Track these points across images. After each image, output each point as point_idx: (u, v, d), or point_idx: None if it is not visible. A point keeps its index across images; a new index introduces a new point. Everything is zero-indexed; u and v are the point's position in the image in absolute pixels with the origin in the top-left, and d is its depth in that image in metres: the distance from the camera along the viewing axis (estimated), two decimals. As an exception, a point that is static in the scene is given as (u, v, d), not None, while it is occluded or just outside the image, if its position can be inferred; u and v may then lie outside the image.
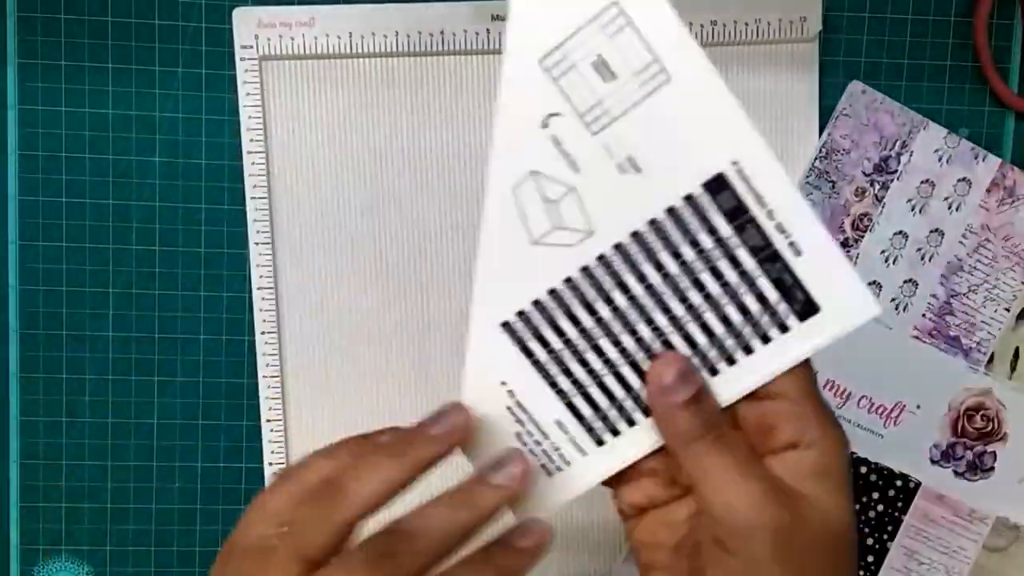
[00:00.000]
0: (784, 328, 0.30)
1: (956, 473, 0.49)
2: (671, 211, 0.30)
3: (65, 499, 0.49)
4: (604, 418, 0.32)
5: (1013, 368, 0.49)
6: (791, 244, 0.30)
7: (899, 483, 0.49)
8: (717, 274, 0.30)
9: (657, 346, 0.31)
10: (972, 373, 0.49)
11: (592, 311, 0.31)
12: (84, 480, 0.49)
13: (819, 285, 0.30)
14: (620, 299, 0.31)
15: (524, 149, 0.30)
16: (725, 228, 0.30)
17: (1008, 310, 0.49)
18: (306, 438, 0.49)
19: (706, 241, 0.30)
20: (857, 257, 0.49)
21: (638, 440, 0.33)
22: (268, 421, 0.49)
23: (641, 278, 0.31)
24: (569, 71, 0.30)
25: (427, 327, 0.49)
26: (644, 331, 0.31)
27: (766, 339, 0.31)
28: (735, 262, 0.30)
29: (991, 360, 0.49)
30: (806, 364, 0.31)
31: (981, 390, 0.49)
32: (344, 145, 0.48)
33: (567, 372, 0.32)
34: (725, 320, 0.31)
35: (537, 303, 0.32)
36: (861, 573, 0.50)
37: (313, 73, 0.48)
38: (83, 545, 0.49)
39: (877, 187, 0.48)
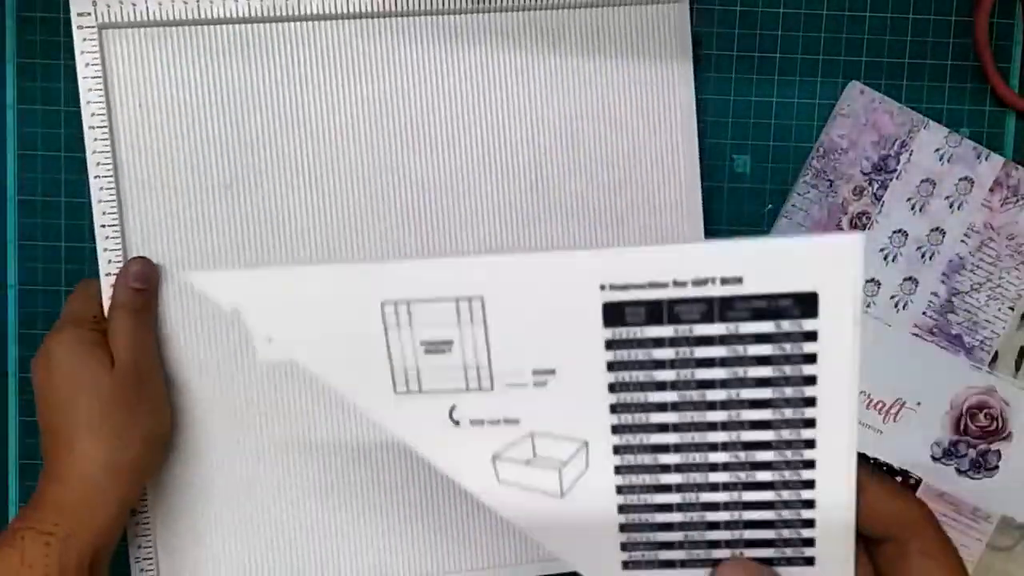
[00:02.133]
0: (811, 336, 0.27)
1: (958, 471, 0.48)
2: (612, 366, 0.28)
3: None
4: (785, 539, 0.29)
5: (1018, 367, 0.48)
6: (724, 281, 0.26)
7: (899, 479, 0.48)
8: (708, 363, 0.27)
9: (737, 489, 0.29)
10: (975, 371, 0.48)
11: (665, 488, 0.29)
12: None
13: (789, 277, 0.26)
14: (670, 458, 0.29)
15: (461, 451, 0.29)
16: (664, 330, 0.27)
17: (1012, 308, 0.48)
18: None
19: (666, 353, 0.27)
20: (857, 256, 0.47)
21: None
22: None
23: (662, 428, 0.28)
24: (419, 377, 0.29)
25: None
26: (718, 460, 0.29)
27: (811, 359, 0.27)
28: (708, 341, 0.27)
29: (995, 359, 0.48)
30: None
31: (984, 388, 0.48)
32: (197, 120, 0.45)
33: (715, 544, 0.30)
34: (763, 383, 0.27)
35: (626, 526, 0.30)
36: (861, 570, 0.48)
37: (158, 42, 0.44)
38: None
39: (876, 186, 0.47)
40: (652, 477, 0.29)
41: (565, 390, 0.28)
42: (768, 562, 0.29)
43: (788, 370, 0.27)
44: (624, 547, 0.29)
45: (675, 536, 0.29)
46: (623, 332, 0.27)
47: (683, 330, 0.27)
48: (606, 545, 0.29)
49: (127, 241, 0.45)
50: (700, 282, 0.26)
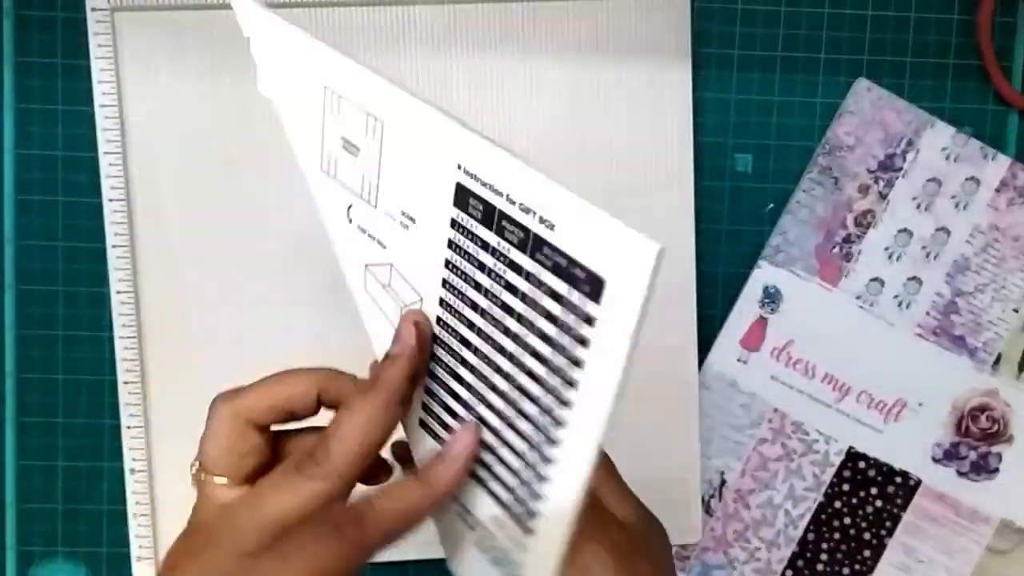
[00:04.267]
0: (589, 320, 0.23)
1: (959, 473, 0.46)
2: (451, 244, 0.27)
3: (62, 500, 0.46)
4: (517, 498, 0.28)
5: (1020, 369, 0.46)
6: (542, 220, 0.24)
7: (899, 480, 0.46)
8: (513, 290, 0.26)
9: (513, 396, 0.27)
10: (978, 373, 0.46)
11: (460, 379, 0.29)
12: (81, 481, 0.46)
13: (589, 251, 0.23)
14: (470, 357, 0.28)
15: (350, 246, 0.30)
16: (491, 236, 0.26)
17: (1016, 311, 0.46)
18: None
19: (487, 259, 0.26)
20: (860, 253, 0.45)
21: (557, 513, 0.27)
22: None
23: (470, 325, 0.27)
24: (336, 163, 0.30)
25: (294, 265, 0.45)
26: (499, 383, 0.27)
27: (584, 342, 0.24)
28: (517, 269, 0.25)
29: (997, 361, 0.46)
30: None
31: (987, 390, 0.46)
32: (204, 99, 0.44)
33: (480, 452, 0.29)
34: (543, 338, 0.25)
35: (428, 391, 0.30)
36: (857, 567, 0.47)
37: (169, 25, 0.44)
38: (79, 547, 0.46)
39: (881, 184, 0.45)
40: (454, 362, 0.28)
41: (418, 242, 0.28)
42: (500, 503, 0.28)
43: (565, 340, 0.24)
44: (423, 406, 0.30)
45: (455, 423, 0.29)
46: (464, 218, 0.26)
47: (503, 246, 0.25)
48: (415, 398, 0.30)
49: (133, 216, 0.45)
50: (525, 209, 0.25)
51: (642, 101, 0.45)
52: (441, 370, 0.29)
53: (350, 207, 0.29)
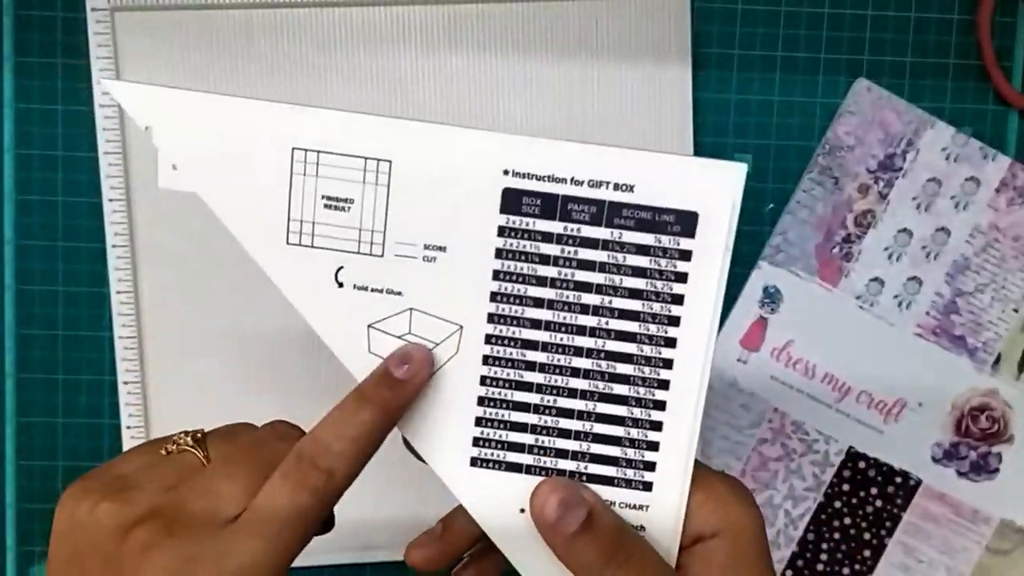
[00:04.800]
0: (686, 256, 0.27)
1: (959, 473, 0.46)
2: (500, 253, 0.27)
3: (61, 500, 0.45)
4: (628, 462, 0.29)
5: (1020, 369, 0.46)
6: (616, 186, 0.27)
7: (899, 480, 0.46)
8: (589, 265, 0.27)
9: (599, 376, 0.28)
10: (977, 373, 0.46)
11: (527, 386, 0.28)
12: (80, 481, 0.45)
13: (675, 193, 0.27)
14: (538, 357, 0.28)
15: (342, 312, 0.28)
16: (554, 225, 0.27)
17: (1016, 311, 0.46)
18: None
19: (552, 249, 0.27)
20: (860, 253, 0.45)
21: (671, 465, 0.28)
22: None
23: (535, 324, 0.28)
24: (313, 231, 0.28)
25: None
26: (582, 364, 0.28)
27: (683, 279, 0.27)
28: (592, 243, 0.27)
29: (998, 361, 0.46)
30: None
31: (987, 390, 0.46)
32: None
33: (563, 453, 0.28)
34: (632, 294, 0.27)
35: (482, 420, 0.28)
36: (857, 567, 0.46)
37: (169, 25, 0.43)
38: (79, 547, 0.45)
39: (881, 184, 0.45)
40: (516, 373, 0.28)
41: (452, 270, 0.28)
42: (609, 481, 0.28)
43: (659, 285, 0.27)
44: (476, 442, 0.29)
45: (526, 438, 0.28)
46: (516, 221, 0.27)
47: (572, 228, 0.27)
48: (459, 436, 0.29)
49: (132, 216, 0.44)
50: (595, 184, 0.27)
51: (642, 101, 0.45)
52: (499, 389, 0.28)
53: (339, 270, 0.28)
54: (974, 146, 0.45)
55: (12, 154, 0.45)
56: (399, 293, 0.28)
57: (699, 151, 0.45)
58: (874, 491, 0.46)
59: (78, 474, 0.44)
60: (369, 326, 0.28)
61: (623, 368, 0.28)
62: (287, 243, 0.28)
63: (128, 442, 0.45)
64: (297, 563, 0.47)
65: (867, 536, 0.46)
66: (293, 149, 0.27)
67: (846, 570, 0.46)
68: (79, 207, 0.45)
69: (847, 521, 0.46)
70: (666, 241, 0.27)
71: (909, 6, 0.46)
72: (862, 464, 0.46)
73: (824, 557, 0.46)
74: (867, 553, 0.46)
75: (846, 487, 0.46)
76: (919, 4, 0.46)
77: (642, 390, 0.28)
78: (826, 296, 0.45)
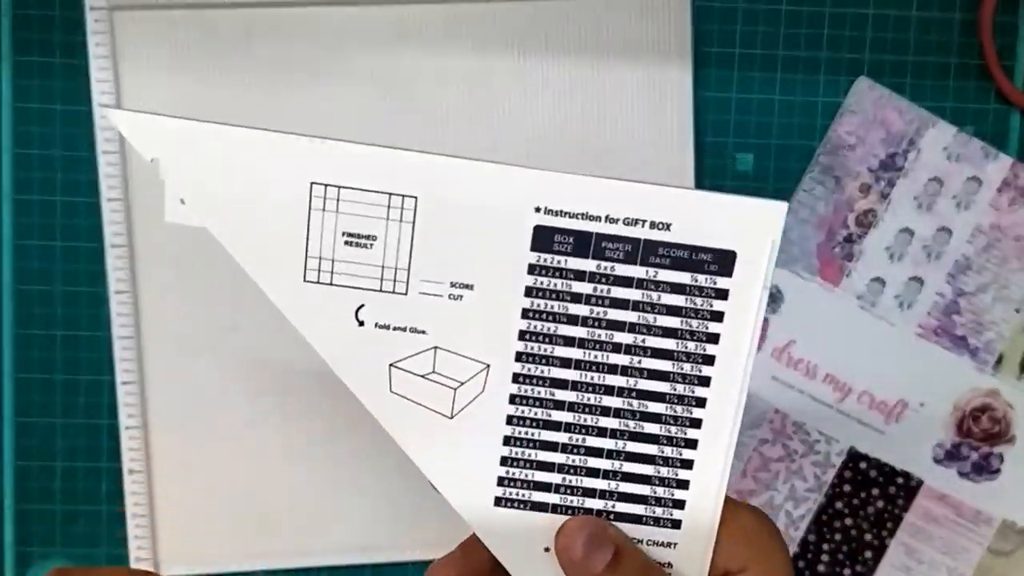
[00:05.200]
0: (723, 294, 0.27)
1: (960, 473, 0.46)
2: (530, 291, 0.27)
3: (60, 501, 0.46)
4: (657, 501, 0.28)
5: (1022, 370, 0.46)
6: (653, 225, 0.26)
7: (900, 480, 0.46)
8: (622, 304, 0.27)
9: (633, 406, 0.28)
10: (979, 373, 0.46)
11: (556, 425, 0.28)
12: (79, 482, 0.46)
13: (713, 232, 0.26)
14: (567, 396, 0.27)
15: (363, 351, 0.27)
16: (587, 264, 0.26)
17: (1018, 311, 0.46)
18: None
19: (584, 287, 0.27)
20: (861, 253, 0.45)
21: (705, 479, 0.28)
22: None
23: (565, 363, 0.27)
24: (332, 268, 0.27)
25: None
26: (613, 403, 0.28)
27: (719, 318, 0.27)
28: (626, 282, 0.27)
29: (999, 361, 0.46)
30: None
31: (988, 391, 0.46)
32: (201, 98, 0.44)
33: (591, 492, 0.28)
34: (667, 333, 0.27)
35: (507, 460, 0.28)
36: (859, 568, 0.46)
37: (167, 24, 0.43)
38: (78, 547, 0.46)
39: (883, 184, 0.45)
40: (544, 412, 0.27)
41: (479, 308, 0.27)
42: (637, 519, 0.28)
43: (695, 324, 0.27)
44: (501, 481, 0.28)
45: (553, 478, 0.28)
46: (548, 259, 0.26)
47: (605, 267, 0.26)
48: (483, 476, 0.28)
49: (131, 215, 0.44)
50: (631, 222, 0.26)
51: (642, 101, 0.45)
52: (526, 428, 0.28)
53: (360, 308, 0.27)
54: (976, 146, 0.45)
55: (10, 154, 0.45)
56: (423, 332, 0.27)
57: (700, 150, 0.45)
58: (875, 492, 0.46)
59: (76, 474, 0.44)
60: (391, 365, 0.27)
61: (655, 407, 0.27)
62: (304, 280, 0.27)
63: (127, 442, 0.45)
64: (297, 563, 0.47)
65: (868, 537, 0.46)
66: (312, 184, 0.26)
67: (847, 571, 0.46)
68: (78, 207, 0.45)
69: (848, 522, 0.46)
70: (702, 280, 0.27)
71: (911, 5, 0.46)
72: (863, 465, 0.46)
73: (825, 558, 0.46)
74: (868, 554, 0.46)
75: (847, 488, 0.46)
76: (921, 3, 0.46)
77: (674, 429, 0.27)
78: (827, 296, 0.45)
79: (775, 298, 0.45)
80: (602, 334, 0.27)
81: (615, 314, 0.27)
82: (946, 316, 0.45)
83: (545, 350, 0.27)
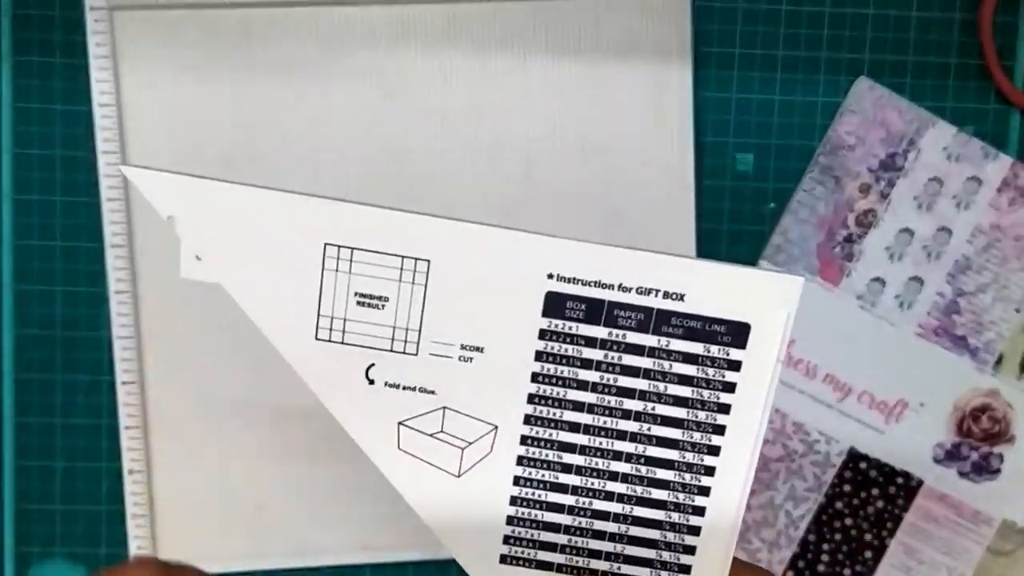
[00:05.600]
0: (735, 366, 0.27)
1: (960, 473, 0.46)
2: (540, 356, 0.27)
3: (60, 501, 0.46)
4: (664, 564, 0.29)
5: (1022, 369, 0.46)
6: (667, 295, 0.26)
7: (900, 480, 0.46)
8: (633, 371, 0.27)
9: (640, 473, 0.28)
10: (979, 373, 0.46)
11: (563, 488, 0.28)
12: (79, 482, 0.46)
13: (728, 304, 0.26)
14: (575, 459, 0.28)
15: (373, 409, 0.28)
16: (599, 331, 0.27)
17: (1018, 311, 0.46)
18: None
19: (595, 353, 0.27)
20: (861, 253, 0.45)
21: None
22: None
23: (573, 427, 0.27)
24: (344, 328, 0.27)
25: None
26: (622, 468, 0.28)
27: (731, 388, 0.27)
28: (637, 350, 0.27)
29: (999, 361, 0.46)
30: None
31: (988, 391, 0.46)
32: (201, 99, 0.44)
33: (596, 553, 0.28)
34: (677, 402, 0.27)
35: (513, 519, 0.28)
36: (859, 568, 0.46)
37: (170, 25, 0.43)
38: (77, 547, 0.46)
39: (883, 184, 0.45)
40: (552, 475, 0.28)
41: (489, 370, 0.27)
42: None
43: (706, 394, 0.27)
44: (506, 540, 0.28)
45: (559, 538, 0.28)
46: (559, 324, 0.27)
47: (617, 335, 0.27)
48: (489, 534, 0.28)
49: (131, 215, 0.44)
50: (644, 291, 0.26)
51: (642, 101, 0.44)
52: (533, 490, 0.28)
53: (371, 367, 0.27)
54: (975, 145, 0.45)
55: (10, 154, 0.45)
56: (432, 392, 0.27)
57: (700, 150, 0.45)
58: (875, 492, 0.46)
59: (76, 474, 0.44)
60: (400, 423, 0.28)
61: (663, 474, 0.27)
62: (316, 339, 0.27)
63: (127, 442, 0.45)
64: (297, 564, 0.47)
65: (868, 537, 0.46)
66: (325, 244, 0.26)
67: (847, 571, 0.46)
68: (77, 207, 0.45)
69: (848, 522, 0.46)
70: (715, 351, 0.27)
71: (911, 5, 0.46)
72: (863, 465, 0.46)
73: (825, 558, 0.46)
74: (868, 554, 0.46)
75: (847, 488, 0.46)
76: (920, 3, 0.46)
77: (682, 496, 0.27)
78: (827, 296, 0.45)
79: (775, 298, 0.45)
80: (612, 400, 0.27)
81: (626, 381, 0.27)
82: (946, 316, 0.45)
83: (554, 414, 0.27)
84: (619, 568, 0.28)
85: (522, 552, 0.28)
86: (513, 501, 0.28)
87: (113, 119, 0.44)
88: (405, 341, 0.27)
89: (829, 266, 0.45)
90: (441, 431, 0.28)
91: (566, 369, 0.27)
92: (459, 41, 0.44)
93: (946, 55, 0.46)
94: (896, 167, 0.45)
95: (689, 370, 0.27)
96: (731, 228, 0.46)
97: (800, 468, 0.46)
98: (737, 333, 0.26)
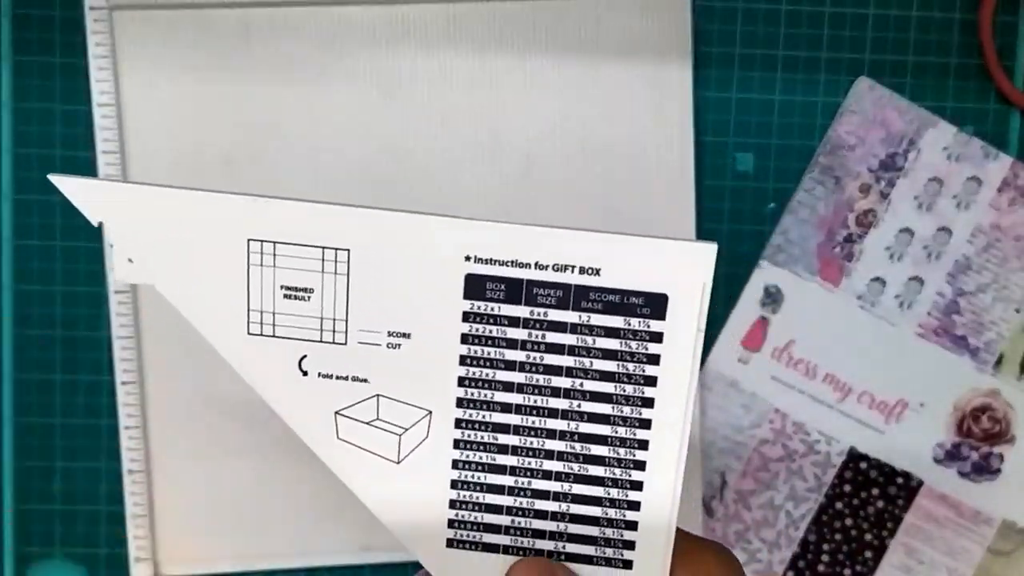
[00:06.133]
0: (657, 337, 0.27)
1: (961, 473, 0.46)
2: (466, 339, 0.27)
3: (59, 501, 0.46)
4: (607, 541, 0.29)
5: (1023, 370, 0.46)
6: (582, 270, 0.26)
7: (900, 480, 0.46)
8: (558, 349, 0.27)
9: (575, 449, 0.28)
10: (979, 373, 0.46)
11: (500, 469, 0.28)
12: (79, 482, 0.46)
13: (643, 275, 0.26)
14: (509, 440, 0.28)
15: (308, 400, 0.28)
16: (520, 310, 0.27)
17: (1018, 311, 0.46)
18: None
19: (519, 333, 0.27)
20: (861, 253, 0.45)
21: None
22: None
23: (505, 408, 0.28)
24: (274, 321, 0.28)
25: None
26: (555, 446, 0.28)
27: (655, 360, 0.27)
28: (559, 327, 0.27)
29: (999, 361, 0.46)
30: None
31: (988, 391, 0.46)
32: (201, 99, 0.44)
33: (540, 533, 0.28)
34: (604, 377, 0.27)
35: (456, 503, 0.28)
36: (859, 568, 0.46)
37: (169, 25, 0.43)
38: (77, 548, 0.46)
39: (883, 184, 0.45)
40: (489, 456, 0.28)
41: (417, 356, 0.27)
42: (588, 560, 0.28)
43: (631, 367, 0.27)
44: (451, 524, 0.28)
45: (502, 520, 0.28)
46: (481, 306, 0.27)
47: (538, 313, 0.27)
48: (433, 519, 0.28)
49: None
50: (560, 268, 0.26)
51: (642, 101, 0.44)
52: (471, 472, 0.28)
53: (303, 358, 0.28)
54: (976, 145, 0.45)
55: (10, 154, 0.44)
56: (365, 380, 0.28)
57: (700, 150, 0.45)
58: (875, 492, 0.46)
59: (76, 474, 0.44)
60: (337, 413, 0.28)
61: (598, 450, 0.27)
62: (248, 333, 0.28)
63: (127, 442, 0.45)
64: (297, 564, 0.47)
65: (868, 537, 0.46)
66: (248, 240, 0.27)
67: (847, 571, 0.46)
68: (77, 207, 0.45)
69: (848, 522, 0.46)
70: (636, 323, 0.27)
71: (911, 5, 0.46)
72: (863, 465, 0.46)
73: (825, 558, 0.46)
74: (868, 554, 0.46)
75: (847, 488, 0.46)
76: (921, 3, 0.46)
77: (618, 471, 0.28)
78: (827, 296, 0.45)
79: (775, 298, 0.45)
80: (540, 379, 0.27)
81: (552, 359, 0.27)
82: (946, 316, 0.45)
83: (485, 395, 0.27)
84: (564, 547, 0.28)
85: (467, 535, 0.28)
86: (454, 485, 0.28)
87: (113, 119, 0.44)
88: (333, 331, 0.27)
89: (829, 266, 0.45)
90: (377, 419, 0.28)
91: (492, 350, 0.27)
92: (459, 41, 0.44)
93: (946, 55, 0.46)
94: (896, 167, 0.45)
95: (612, 344, 0.27)
96: (731, 228, 0.46)
97: (800, 468, 0.46)
98: (655, 304, 0.26)
